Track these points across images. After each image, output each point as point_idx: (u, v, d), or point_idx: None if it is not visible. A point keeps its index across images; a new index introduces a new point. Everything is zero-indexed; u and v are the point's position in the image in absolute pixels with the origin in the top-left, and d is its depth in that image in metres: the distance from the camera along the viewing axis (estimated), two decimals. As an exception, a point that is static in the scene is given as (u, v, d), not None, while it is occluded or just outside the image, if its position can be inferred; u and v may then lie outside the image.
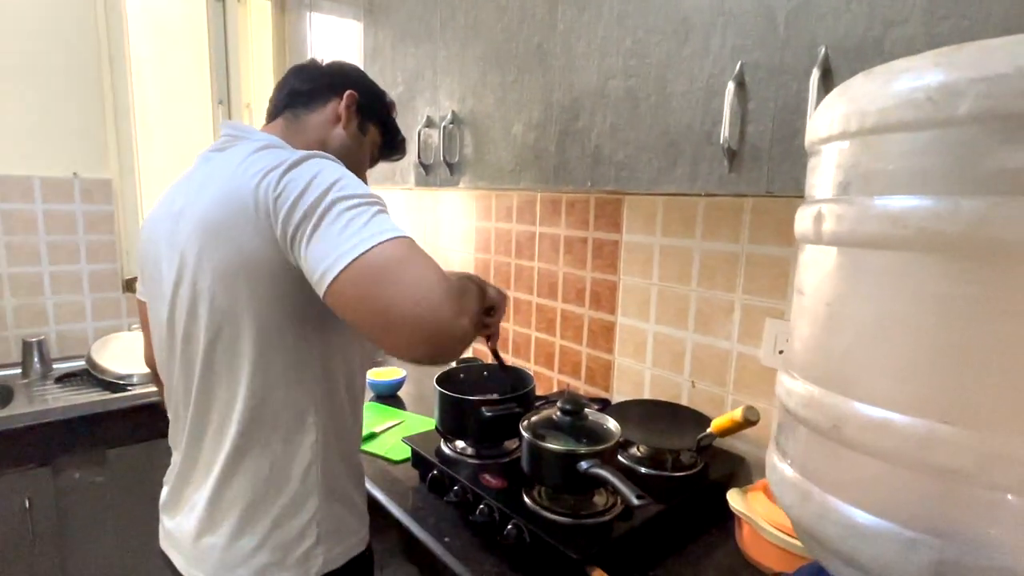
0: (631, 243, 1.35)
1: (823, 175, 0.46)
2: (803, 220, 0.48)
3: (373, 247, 0.63)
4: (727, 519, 1.04)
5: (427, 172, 1.40)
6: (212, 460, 0.81)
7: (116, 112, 1.95)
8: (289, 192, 0.68)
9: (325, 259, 0.64)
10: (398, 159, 1.07)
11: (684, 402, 1.27)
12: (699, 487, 1.05)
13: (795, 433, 0.49)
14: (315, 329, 0.78)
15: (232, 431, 0.78)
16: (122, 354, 1.76)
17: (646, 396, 1.35)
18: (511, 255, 1.70)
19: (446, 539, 0.96)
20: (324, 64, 0.97)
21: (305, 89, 0.92)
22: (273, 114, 0.93)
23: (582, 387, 1.51)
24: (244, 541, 0.79)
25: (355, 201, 0.67)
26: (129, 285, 2.01)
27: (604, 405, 1.34)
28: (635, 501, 0.75)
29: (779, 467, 0.50)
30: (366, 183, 1.00)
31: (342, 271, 0.63)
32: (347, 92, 0.92)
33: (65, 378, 1.77)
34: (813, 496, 0.44)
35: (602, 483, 0.87)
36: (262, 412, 0.77)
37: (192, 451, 0.84)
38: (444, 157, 1.30)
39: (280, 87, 0.94)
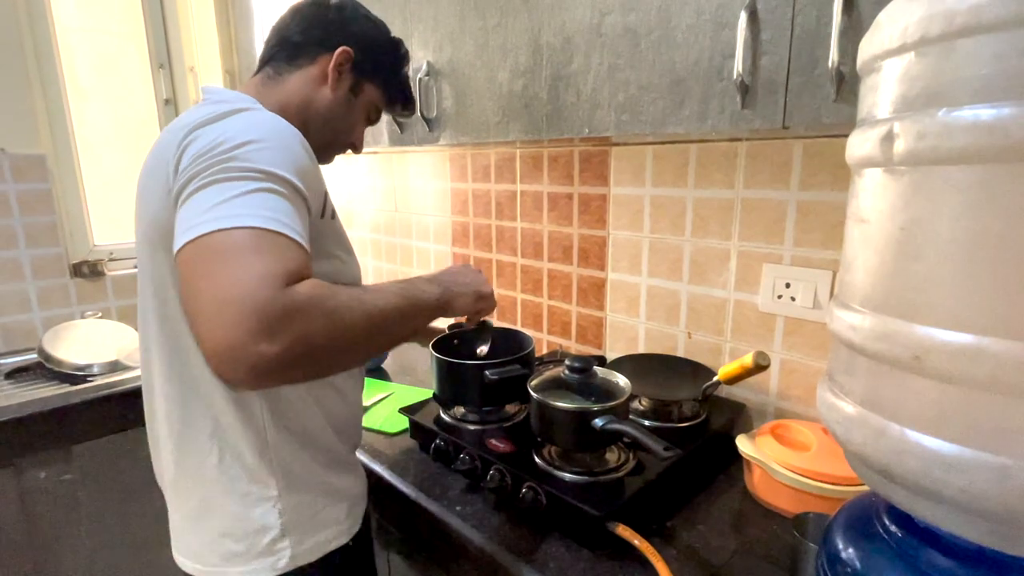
0: (620, 196, 1.31)
1: (887, 92, 0.43)
2: (864, 143, 0.45)
3: (216, 231, 0.53)
4: (730, 465, 1.05)
5: (402, 130, 1.32)
6: (164, 442, 0.79)
7: (43, 82, 1.77)
8: (192, 148, 0.61)
9: (177, 229, 0.57)
10: (408, 116, 1.00)
11: (681, 354, 1.26)
12: (706, 436, 1.05)
13: (857, 368, 0.47)
14: None
15: (172, 414, 0.76)
16: (78, 343, 1.63)
17: (641, 351, 1.33)
18: (491, 216, 1.64)
19: (457, 508, 0.93)
20: (332, 3, 0.83)
21: (295, 40, 0.82)
22: (259, 65, 0.85)
23: (573, 346, 1.49)
24: (207, 525, 0.77)
25: (240, 173, 0.57)
26: (77, 270, 1.86)
27: (600, 362, 1.32)
28: (663, 453, 0.73)
29: (839, 405, 0.48)
30: (359, 147, 0.93)
31: (183, 247, 0.55)
32: (340, 49, 0.81)
33: (16, 373, 1.63)
34: (888, 431, 0.43)
35: (621, 438, 0.85)
36: (192, 392, 0.74)
37: (152, 429, 0.83)
38: (421, 112, 1.22)
39: (274, 31, 0.84)
